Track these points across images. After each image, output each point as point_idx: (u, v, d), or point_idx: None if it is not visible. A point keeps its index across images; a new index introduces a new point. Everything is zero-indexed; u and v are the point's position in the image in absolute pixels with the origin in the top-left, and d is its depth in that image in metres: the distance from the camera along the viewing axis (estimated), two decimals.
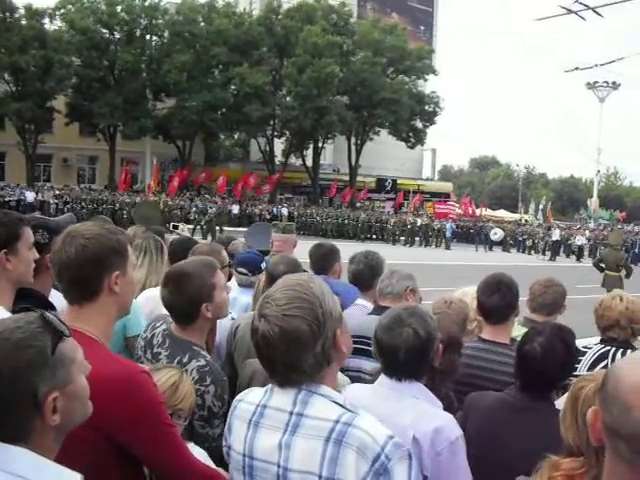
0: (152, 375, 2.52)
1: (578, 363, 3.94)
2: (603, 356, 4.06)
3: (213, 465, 2.67)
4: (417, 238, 45.32)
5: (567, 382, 3.08)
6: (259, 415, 2.03)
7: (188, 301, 3.02)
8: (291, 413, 1.95)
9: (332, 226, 44.76)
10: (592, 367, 4.02)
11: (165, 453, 2.31)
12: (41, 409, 1.65)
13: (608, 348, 4.09)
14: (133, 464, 2.32)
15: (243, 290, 4.78)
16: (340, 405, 1.94)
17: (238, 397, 2.18)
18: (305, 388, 1.96)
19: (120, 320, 3.01)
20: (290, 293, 1.96)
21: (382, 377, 2.69)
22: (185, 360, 2.99)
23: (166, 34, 49.24)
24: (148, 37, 49.89)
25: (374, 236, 45.48)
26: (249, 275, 4.76)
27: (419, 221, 46.25)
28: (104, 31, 47.22)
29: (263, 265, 4.76)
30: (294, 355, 1.91)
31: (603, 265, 16.85)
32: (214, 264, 3.21)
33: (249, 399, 2.11)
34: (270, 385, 2.06)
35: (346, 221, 45.77)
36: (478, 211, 56.60)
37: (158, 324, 3.22)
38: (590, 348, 4.18)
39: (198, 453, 2.66)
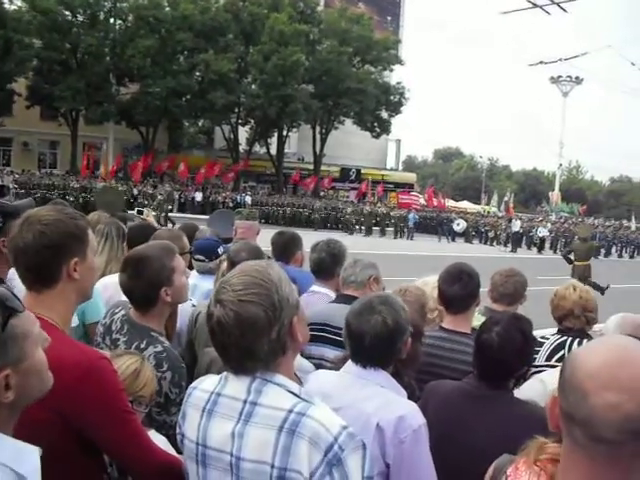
0: (113, 361, 2.51)
1: (536, 353, 3.99)
2: (560, 346, 4.10)
3: (174, 452, 2.66)
4: (376, 228, 44.99)
5: (526, 371, 3.13)
6: (213, 403, 2.01)
7: (147, 285, 2.99)
8: (245, 402, 1.94)
9: (287, 215, 44.48)
10: (550, 357, 4.07)
11: (124, 440, 2.29)
12: None
13: (565, 338, 4.13)
14: (92, 451, 2.30)
15: (203, 277, 4.79)
16: (295, 394, 1.93)
17: (193, 384, 2.17)
18: (260, 376, 1.95)
19: (79, 307, 2.98)
20: (247, 279, 1.95)
21: (349, 363, 2.71)
22: (143, 346, 2.97)
23: (130, 18, 48.47)
24: (112, 21, 49.12)
25: (332, 225, 44.76)
26: (206, 261, 4.77)
27: (378, 211, 46.16)
28: (66, 13, 46.18)
29: (220, 250, 4.78)
30: (249, 341, 1.90)
31: (572, 256, 17.26)
32: (173, 248, 3.19)
33: (203, 387, 2.10)
34: (225, 373, 2.05)
35: (301, 210, 45.54)
36: (443, 201, 56.91)
37: (117, 310, 3.19)
38: (547, 339, 4.23)
39: (159, 440, 2.65)
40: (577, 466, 1.37)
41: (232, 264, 3.93)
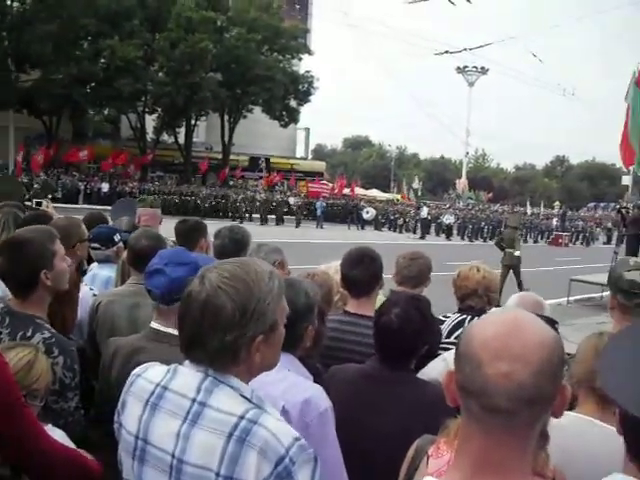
0: (4, 354, 2.43)
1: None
2: (460, 324, 4.19)
3: (73, 446, 2.59)
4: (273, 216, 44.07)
5: (427, 351, 3.17)
6: (158, 397, 1.90)
7: (27, 267, 2.92)
8: (193, 400, 1.84)
9: (174, 203, 42.86)
10: (449, 335, 4.14)
11: (19, 434, 2.20)
12: None
13: (465, 316, 4.24)
14: None
15: (101, 265, 4.76)
16: (246, 399, 1.84)
17: (136, 371, 2.04)
18: (212, 375, 1.85)
19: None
20: (238, 272, 1.86)
21: None
22: (29, 334, 2.89)
23: (29, 0, 46.69)
24: (8, 2, 47.05)
25: (222, 213, 43.67)
26: (102, 249, 4.73)
27: (274, 198, 45.51)
28: None
29: (117, 238, 4.75)
30: (203, 327, 1.81)
31: (504, 244, 18.08)
32: (53, 233, 3.13)
33: (148, 376, 1.98)
34: (174, 365, 1.96)
35: (188, 198, 44.72)
36: (348, 190, 57.30)
37: None
38: (448, 317, 4.33)
39: (57, 435, 2.57)
40: (473, 439, 1.38)
41: (132, 252, 3.86)
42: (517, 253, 17.57)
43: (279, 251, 4.12)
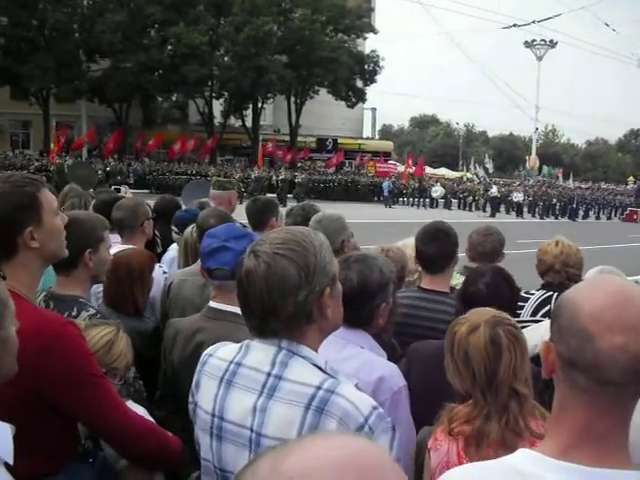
0: (87, 331, 2.48)
1: (521, 309, 3.96)
2: (546, 301, 4.05)
3: (154, 421, 2.61)
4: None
5: None
6: (232, 373, 1.91)
7: (74, 243, 2.84)
8: (268, 374, 1.83)
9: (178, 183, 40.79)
10: (535, 313, 4.04)
11: (96, 405, 2.22)
12: None
13: (550, 293, 4.08)
14: (63, 423, 2.23)
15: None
16: (320, 369, 1.83)
17: (207, 351, 2.05)
18: (285, 347, 1.84)
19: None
20: (288, 235, 1.86)
21: None
22: (74, 314, 2.90)
23: None
24: None
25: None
26: (180, 235, 4.72)
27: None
28: None
29: None
30: (274, 297, 1.79)
31: None
32: (106, 223, 3.19)
33: (220, 355, 1.99)
34: (246, 341, 1.94)
35: (193, 177, 42.72)
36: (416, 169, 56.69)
37: (37, 296, 3.11)
38: (533, 294, 4.19)
39: (139, 411, 2.59)
40: (574, 410, 1.35)
41: (201, 230, 3.86)
42: None
43: (346, 228, 4.08)
